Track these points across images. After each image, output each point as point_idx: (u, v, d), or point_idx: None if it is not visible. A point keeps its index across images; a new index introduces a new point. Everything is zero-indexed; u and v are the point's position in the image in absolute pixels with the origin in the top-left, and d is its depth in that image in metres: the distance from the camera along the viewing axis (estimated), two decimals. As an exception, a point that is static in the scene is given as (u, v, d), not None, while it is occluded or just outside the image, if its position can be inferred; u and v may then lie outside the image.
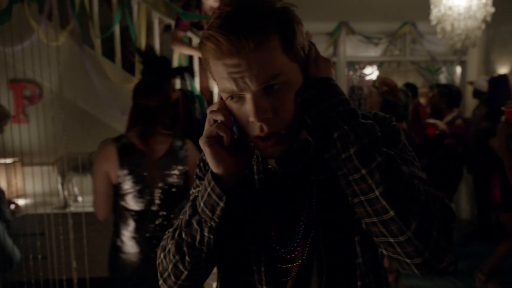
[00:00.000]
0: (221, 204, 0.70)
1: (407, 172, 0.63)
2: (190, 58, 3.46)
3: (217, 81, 0.69)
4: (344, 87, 5.03)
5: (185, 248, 0.74)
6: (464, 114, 4.44)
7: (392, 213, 0.61)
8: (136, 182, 1.72)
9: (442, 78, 5.47)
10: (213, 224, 0.71)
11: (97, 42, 3.30)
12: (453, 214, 0.65)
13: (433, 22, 3.37)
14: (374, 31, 4.80)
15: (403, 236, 0.61)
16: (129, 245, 1.75)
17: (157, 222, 1.76)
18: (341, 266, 0.73)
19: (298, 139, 0.74)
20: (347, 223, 0.73)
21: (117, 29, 3.33)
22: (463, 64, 5.11)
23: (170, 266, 0.77)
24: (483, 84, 3.71)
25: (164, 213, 1.77)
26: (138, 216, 1.74)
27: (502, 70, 4.62)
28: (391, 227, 0.62)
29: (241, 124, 0.70)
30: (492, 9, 3.17)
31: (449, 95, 3.55)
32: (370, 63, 5.64)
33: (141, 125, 1.77)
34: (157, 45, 3.43)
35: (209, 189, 0.71)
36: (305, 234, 0.75)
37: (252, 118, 0.66)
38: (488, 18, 3.19)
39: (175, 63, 3.41)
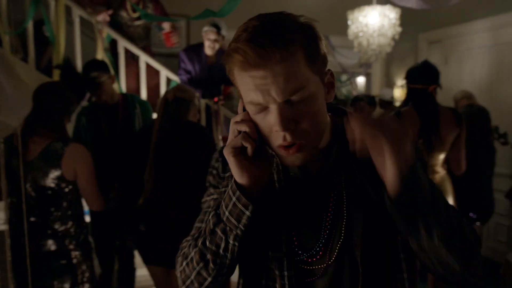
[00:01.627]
0: (247, 213, 0.72)
1: (462, 222, 0.72)
2: (116, 59, 3.27)
3: (243, 93, 0.71)
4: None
5: (209, 256, 0.76)
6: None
7: (453, 262, 0.69)
8: (10, 181, 1.81)
9: (343, 90, 5.98)
10: (239, 232, 0.73)
11: (6, 39, 2.93)
12: (479, 239, 0.77)
13: (351, 37, 3.68)
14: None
15: (455, 271, 0.71)
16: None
17: (31, 220, 1.82)
18: (381, 277, 0.76)
19: (319, 147, 0.76)
20: (388, 238, 0.76)
21: (30, 25, 3.00)
22: (368, 76, 5.66)
23: (194, 274, 0.79)
24: (386, 93, 4.27)
25: (38, 212, 1.83)
26: (12, 215, 1.84)
27: (399, 82, 5.24)
28: (448, 268, 0.71)
29: (263, 133, 0.72)
30: (399, 29, 3.58)
31: (374, 104, 3.88)
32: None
33: (23, 125, 1.85)
34: (78, 47, 3.18)
35: (234, 199, 0.73)
36: (328, 238, 0.78)
37: (276, 128, 0.69)
38: (397, 37, 3.60)
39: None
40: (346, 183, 0.78)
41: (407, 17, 3.84)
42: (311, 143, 0.72)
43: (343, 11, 3.82)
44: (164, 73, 3.42)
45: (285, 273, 0.78)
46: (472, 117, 3.07)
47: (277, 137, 0.70)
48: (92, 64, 2.45)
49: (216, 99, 3.37)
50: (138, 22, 3.27)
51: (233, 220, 0.73)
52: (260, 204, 0.74)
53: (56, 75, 3.01)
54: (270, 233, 0.79)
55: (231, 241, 0.74)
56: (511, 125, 3.51)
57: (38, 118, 1.85)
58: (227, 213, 0.74)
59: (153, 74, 3.45)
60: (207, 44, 3.26)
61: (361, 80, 6.81)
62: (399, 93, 4.72)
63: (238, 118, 0.73)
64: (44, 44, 3.28)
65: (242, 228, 0.73)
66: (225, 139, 2.19)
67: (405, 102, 2.46)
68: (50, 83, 2.26)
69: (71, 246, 1.86)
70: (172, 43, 3.39)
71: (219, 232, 0.75)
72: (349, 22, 3.64)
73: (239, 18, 0.94)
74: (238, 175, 0.72)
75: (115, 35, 3.20)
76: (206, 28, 3.24)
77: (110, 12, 3.13)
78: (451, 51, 4.52)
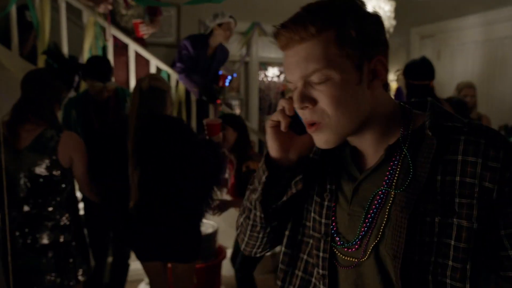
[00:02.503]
0: (263, 177, 0.81)
1: None
2: (104, 48, 3.16)
3: (285, 73, 0.76)
4: (256, 88, 5.14)
5: (246, 211, 0.88)
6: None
7: None
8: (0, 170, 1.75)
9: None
10: (259, 194, 0.82)
11: (-13, 24, 2.79)
12: None
13: (345, 30, 3.63)
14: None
15: None
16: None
17: (25, 210, 1.79)
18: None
19: (349, 134, 0.75)
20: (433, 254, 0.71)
21: (13, 9, 2.86)
22: (359, 69, 5.63)
23: (239, 223, 0.94)
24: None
25: (32, 201, 1.79)
26: (8, 204, 1.75)
27: (390, 77, 5.22)
28: None
29: (298, 112, 0.76)
30: (394, 22, 3.55)
31: None
32: (280, 64, 5.85)
33: (11, 113, 1.81)
34: (64, 33, 3.05)
35: (260, 165, 0.82)
36: (365, 235, 0.76)
37: (295, 105, 0.73)
38: (391, 30, 3.56)
39: (86, 54, 3.08)
40: (397, 185, 0.73)
41: (399, 11, 3.80)
42: (333, 127, 0.71)
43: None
44: (154, 63, 3.32)
45: (321, 254, 0.81)
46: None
47: (301, 114, 0.74)
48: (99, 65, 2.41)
49: (219, 101, 3.31)
50: (131, 12, 3.15)
51: (256, 183, 0.83)
52: (288, 174, 0.81)
53: (41, 62, 2.88)
54: (313, 211, 0.84)
55: (254, 201, 0.84)
56: (503, 119, 3.51)
57: (28, 106, 1.82)
58: (256, 176, 0.84)
59: (143, 64, 3.34)
60: (226, 34, 3.27)
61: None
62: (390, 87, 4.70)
63: (286, 96, 0.78)
64: (27, 30, 3.14)
65: (261, 190, 0.81)
66: (208, 125, 2.10)
67: (408, 97, 2.46)
68: (38, 70, 2.22)
69: (66, 238, 1.83)
70: (141, 34, 3.25)
71: (251, 190, 0.86)
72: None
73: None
74: (269, 144, 0.80)
75: (102, 23, 3.08)
76: (225, 19, 3.23)
77: (110, 1, 3.02)
78: (443, 46, 4.51)
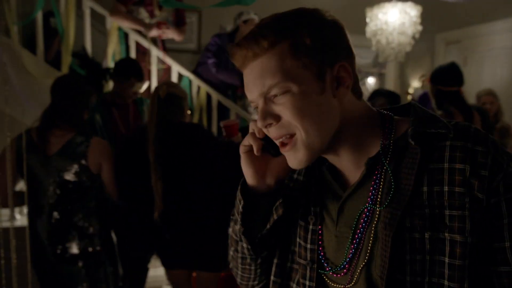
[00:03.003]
0: (240, 208, 0.76)
1: None
2: (127, 54, 3.17)
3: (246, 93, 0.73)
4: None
5: (233, 243, 0.83)
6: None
7: None
8: (30, 176, 1.75)
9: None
10: (240, 225, 0.77)
11: (14, 29, 2.82)
12: None
13: (368, 35, 3.56)
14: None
15: None
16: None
17: (54, 217, 1.79)
18: None
19: (321, 149, 0.69)
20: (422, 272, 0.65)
21: (39, 15, 2.89)
22: (381, 76, 5.53)
23: (230, 256, 0.88)
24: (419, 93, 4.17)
25: (61, 208, 1.79)
26: (37, 211, 1.80)
27: (415, 83, 5.11)
28: None
29: (266, 132, 0.72)
30: (420, 27, 3.46)
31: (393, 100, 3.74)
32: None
33: (41, 119, 1.83)
34: (88, 39, 3.07)
35: (237, 193, 0.77)
36: (353, 257, 0.70)
37: (259, 123, 0.69)
38: (417, 35, 3.48)
39: (109, 57, 3.09)
40: (382, 200, 0.67)
41: (424, 17, 3.71)
42: (304, 140, 0.67)
43: (361, 9, 3.70)
44: (176, 69, 3.31)
45: (307, 283, 0.75)
46: None
47: (268, 133, 0.70)
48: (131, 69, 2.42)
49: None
50: (155, 19, 3.15)
51: (235, 213, 0.79)
52: (267, 201, 0.75)
53: (66, 67, 2.91)
54: (298, 236, 0.78)
55: (238, 232, 0.78)
56: (534, 129, 3.37)
57: (57, 113, 1.84)
58: (235, 205, 0.79)
59: (163, 70, 3.34)
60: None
61: (371, 81, 6.68)
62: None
63: (254, 118, 0.74)
64: (51, 37, 3.19)
65: (240, 221, 0.76)
66: (225, 127, 2.07)
67: (437, 105, 2.41)
68: (67, 76, 2.26)
69: (95, 246, 1.83)
70: (160, 36, 3.23)
71: (233, 222, 0.82)
72: (367, 20, 3.52)
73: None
74: (244, 171, 0.76)
75: (126, 29, 3.09)
76: (250, 16, 3.31)
77: (162, 27, 3.04)
78: (470, 52, 4.39)
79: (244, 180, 0.77)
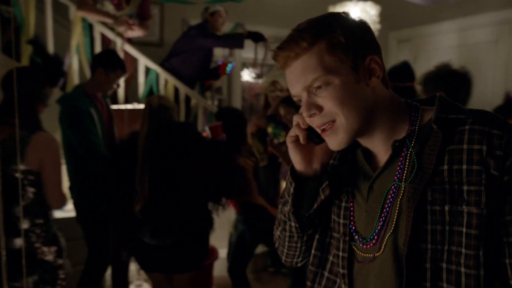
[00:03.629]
0: (291, 189, 0.87)
1: None
2: (91, 46, 3.07)
3: (289, 88, 0.82)
4: (239, 88, 5.14)
5: (281, 223, 0.94)
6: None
7: None
8: None
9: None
10: (290, 205, 0.87)
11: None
12: None
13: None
14: (267, 35, 5.02)
15: None
16: None
17: None
18: (425, 276, 0.73)
19: (359, 132, 0.79)
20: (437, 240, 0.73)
21: (-5, 4, 2.72)
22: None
23: (277, 236, 0.98)
24: None
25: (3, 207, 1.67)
26: None
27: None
28: None
29: (308, 122, 0.82)
30: (379, 26, 3.66)
31: None
32: (262, 65, 5.86)
33: None
34: (49, 29, 2.94)
35: (288, 177, 0.88)
36: (381, 229, 0.79)
37: (304, 114, 0.79)
38: (376, 34, 3.66)
39: (73, 49, 2.99)
40: (406, 178, 0.77)
41: (380, 16, 3.92)
42: (344, 125, 0.77)
43: (324, 6, 3.84)
44: (143, 61, 3.26)
45: (340, 253, 0.86)
46: None
47: (311, 122, 0.80)
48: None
49: (208, 82, 3.50)
50: (121, 12, 3.07)
51: (286, 195, 0.89)
52: (314, 183, 0.86)
53: (26, 59, 2.77)
54: (332, 213, 0.89)
55: (287, 213, 0.89)
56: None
57: (6, 107, 1.74)
58: (285, 189, 0.90)
59: (128, 63, 3.27)
60: (219, 22, 3.51)
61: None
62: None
63: (298, 112, 0.84)
64: (5, 26, 3.00)
65: (291, 202, 0.87)
66: (211, 128, 2.14)
67: None
68: (18, 68, 2.10)
69: (40, 243, 1.75)
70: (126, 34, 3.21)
71: (282, 203, 0.92)
72: (330, 17, 3.66)
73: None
74: (292, 159, 0.86)
75: (91, 20, 3.00)
76: (216, 8, 3.46)
77: (131, 23, 3.02)
78: (420, 51, 4.69)
79: (293, 166, 0.87)
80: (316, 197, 0.86)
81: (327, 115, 0.77)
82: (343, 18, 0.78)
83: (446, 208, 0.72)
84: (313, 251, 0.92)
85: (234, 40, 3.46)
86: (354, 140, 0.81)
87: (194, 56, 3.40)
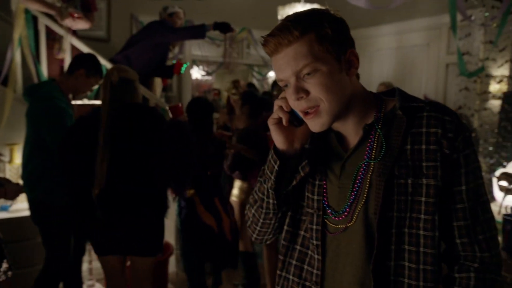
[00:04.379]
0: (276, 167, 0.93)
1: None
2: (36, 39, 2.94)
3: (275, 74, 0.89)
4: (189, 85, 5.14)
5: (259, 201, 1.00)
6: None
7: None
8: None
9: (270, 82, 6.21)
10: (273, 182, 0.94)
11: None
12: None
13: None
14: (217, 33, 5.07)
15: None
16: None
17: None
18: (393, 245, 0.86)
19: (339, 116, 0.88)
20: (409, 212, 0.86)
21: None
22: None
23: (251, 214, 1.04)
24: None
25: None
26: None
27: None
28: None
29: (292, 105, 0.89)
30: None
31: None
32: (211, 62, 5.90)
33: None
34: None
35: (270, 157, 0.95)
36: (353, 202, 0.89)
37: (292, 97, 0.86)
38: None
39: (15, 43, 2.84)
40: (375, 156, 0.88)
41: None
42: (327, 109, 0.85)
43: (273, 6, 3.97)
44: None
45: (314, 226, 0.94)
46: None
47: (297, 105, 0.87)
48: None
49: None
50: (66, 4, 2.97)
51: (268, 173, 0.95)
52: (291, 162, 0.94)
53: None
54: (306, 191, 0.97)
55: (269, 189, 0.95)
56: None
57: None
58: (266, 168, 0.96)
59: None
60: (178, 24, 3.52)
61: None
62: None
63: (279, 96, 0.91)
64: None
65: (274, 179, 0.93)
66: (171, 108, 2.19)
67: None
68: None
69: None
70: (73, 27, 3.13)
71: (262, 182, 0.98)
72: (279, 17, 3.79)
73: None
74: (274, 139, 0.93)
75: (35, 12, 2.87)
76: (175, 9, 3.47)
77: (76, 16, 2.91)
78: (362, 51, 4.99)
79: (275, 146, 0.94)
80: (293, 176, 0.95)
81: (312, 100, 0.84)
82: (329, 14, 0.86)
83: (409, 181, 0.84)
84: (285, 227, 1.01)
85: (197, 30, 3.48)
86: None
87: (151, 51, 3.38)
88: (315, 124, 0.87)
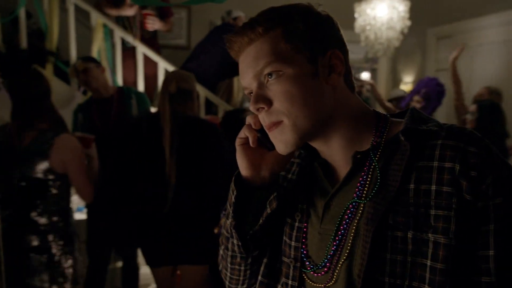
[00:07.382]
0: (233, 198, 0.75)
1: None
2: (113, 49, 3.15)
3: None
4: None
5: (224, 240, 0.81)
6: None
7: None
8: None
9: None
10: (232, 218, 0.75)
11: (-4, 27, 2.81)
12: None
13: (357, 30, 3.53)
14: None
15: None
16: None
17: (15, 211, 1.78)
18: None
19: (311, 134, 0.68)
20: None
21: (22, 12, 2.87)
22: (373, 71, 5.50)
23: (220, 256, 0.86)
24: (397, 94, 4.09)
25: (21, 205, 1.77)
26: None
27: (407, 78, 5.08)
28: None
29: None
30: (408, 22, 3.43)
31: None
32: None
33: (14, 114, 1.82)
34: (72, 34, 3.05)
35: (231, 185, 0.76)
36: (334, 255, 0.68)
37: (251, 107, 0.68)
38: (405, 30, 3.45)
39: (94, 55, 3.07)
40: (367, 195, 0.65)
41: (415, 12, 3.68)
42: (292, 125, 0.66)
43: (350, 4, 3.67)
44: (162, 65, 3.29)
45: (289, 282, 0.74)
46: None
47: (260, 119, 0.70)
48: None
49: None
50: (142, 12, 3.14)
51: (228, 206, 0.76)
52: (261, 193, 0.74)
53: (50, 66, 2.89)
54: (284, 234, 0.77)
55: (229, 228, 0.76)
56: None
57: (29, 108, 1.79)
58: (228, 198, 0.77)
59: (152, 64, 3.32)
60: None
61: (365, 75, 6.65)
62: (408, 90, 4.55)
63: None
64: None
65: (232, 213, 0.74)
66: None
67: None
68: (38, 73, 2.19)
69: (54, 243, 1.79)
70: (148, 26, 3.22)
71: (225, 217, 0.79)
72: (356, 15, 3.49)
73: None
74: (238, 163, 0.75)
75: (111, 25, 3.07)
76: (239, 13, 3.47)
77: (147, 17, 3.12)
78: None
79: (239, 172, 0.76)
80: (261, 212, 0.74)
81: (274, 113, 0.67)
82: (305, 7, 0.69)
83: (409, 234, 0.61)
84: (259, 278, 0.80)
85: None
86: (315, 152, 0.72)
87: (213, 57, 3.39)
88: (278, 142, 0.69)
